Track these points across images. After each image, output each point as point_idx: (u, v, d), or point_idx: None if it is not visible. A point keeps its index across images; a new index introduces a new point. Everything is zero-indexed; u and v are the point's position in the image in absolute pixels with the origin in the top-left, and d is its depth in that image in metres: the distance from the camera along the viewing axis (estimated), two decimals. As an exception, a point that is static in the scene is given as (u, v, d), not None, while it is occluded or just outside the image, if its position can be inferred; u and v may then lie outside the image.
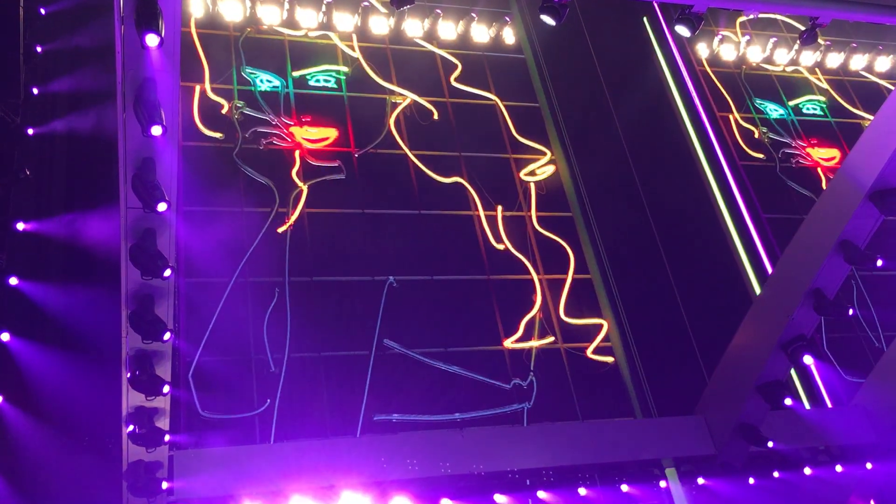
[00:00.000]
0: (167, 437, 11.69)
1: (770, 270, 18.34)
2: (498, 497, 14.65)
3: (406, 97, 19.51)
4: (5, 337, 12.88)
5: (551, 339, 17.09)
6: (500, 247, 18.06)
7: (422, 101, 19.58)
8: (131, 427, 11.31)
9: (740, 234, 19.36)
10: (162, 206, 9.69)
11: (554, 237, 18.54)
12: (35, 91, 15.09)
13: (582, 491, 15.06)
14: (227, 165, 17.23)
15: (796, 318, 13.69)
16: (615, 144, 20.15)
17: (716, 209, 19.92)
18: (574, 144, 19.97)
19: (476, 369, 16.34)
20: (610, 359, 17.17)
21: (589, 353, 17.13)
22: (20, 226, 13.86)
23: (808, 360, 13.94)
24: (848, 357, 17.49)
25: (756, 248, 19.09)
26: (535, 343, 16.93)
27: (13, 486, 12.04)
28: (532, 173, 19.43)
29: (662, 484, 15.60)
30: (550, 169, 19.59)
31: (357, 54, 19.91)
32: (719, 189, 20.05)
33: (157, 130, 9.09)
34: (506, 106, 20.47)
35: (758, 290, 18.19)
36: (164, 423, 11.64)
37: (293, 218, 16.94)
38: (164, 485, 11.96)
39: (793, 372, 17.15)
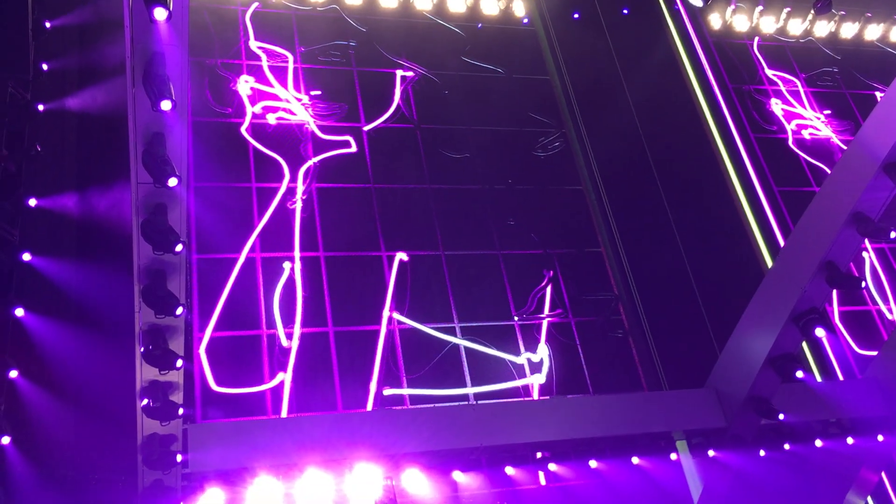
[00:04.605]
0: (181, 411, 11.78)
1: (782, 243, 18.24)
2: (509, 469, 14.73)
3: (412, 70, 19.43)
4: (20, 312, 12.97)
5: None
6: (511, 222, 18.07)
7: (430, 74, 19.48)
8: (145, 401, 11.40)
9: (752, 206, 19.24)
10: (172, 181, 9.70)
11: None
12: (45, 67, 15.05)
13: (593, 464, 15.12)
14: (237, 141, 17.22)
15: (808, 291, 13.62)
16: (626, 118, 20.01)
17: (728, 182, 19.79)
18: (585, 118, 19.86)
19: (487, 343, 16.43)
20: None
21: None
22: (32, 202, 13.89)
23: (820, 332, 13.91)
24: (860, 330, 17.42)
25: (768, 220, 18.98)
26: (546, 317, 16.97)
27: (29, 459, 12.17)
28: (543, 148, 19.35)
29: (673, 456, 15.63)
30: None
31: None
32: (731, 162, 19.90)
33: (166, 105, 9.09)
34: (516, 79, 20.35)
35: (770, 263, 18.12)
36: (177, 396, 11.72)
37: (299, 193, 16.95)
38: (179, 457, 12.08)
39: (805, 345, 17.16)
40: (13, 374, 12.58)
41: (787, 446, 15.65)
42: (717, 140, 20.26)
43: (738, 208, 19.38)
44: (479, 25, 20.86)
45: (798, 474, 15.55)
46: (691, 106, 20.95)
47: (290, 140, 17.56)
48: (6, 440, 12.09)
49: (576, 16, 21.34)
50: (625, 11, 21.69)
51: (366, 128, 18.34)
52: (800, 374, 14.34)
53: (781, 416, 14.60)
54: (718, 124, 20.46)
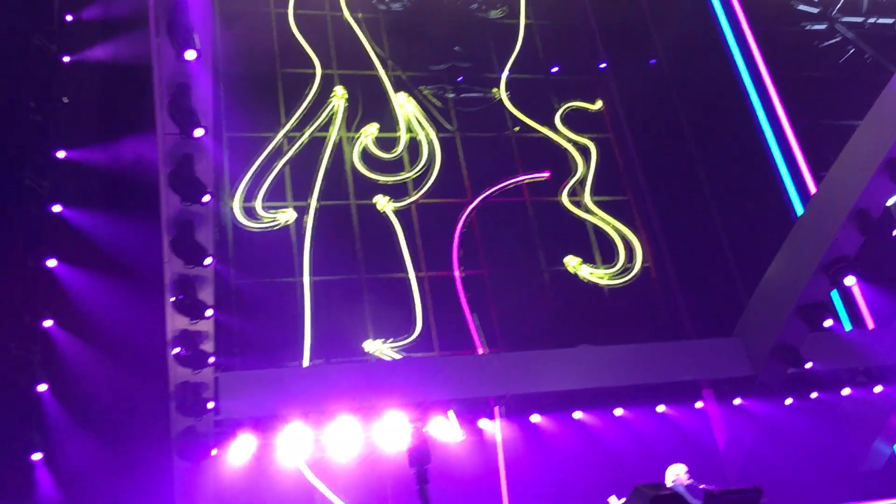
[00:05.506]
0: (212, 359, 11.97)
1: (813, 190, 17.96)
2: (534, 417, 14.88)
3: None
4: (52, 263, 13.16)
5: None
6: (544, 176, 17.93)
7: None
8: (177, 349, 11.59)
9: (783, 153, 18.89)
10: (199, 132, 9.72)
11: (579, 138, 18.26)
12: (69, 18, 15.03)
13: (618, 412, 15.22)
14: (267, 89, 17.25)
15: (839, 239, 13.45)
16: (655, 64, 19.65)
17: (758, 127, 19.41)
18: (613, 65, 19.56)
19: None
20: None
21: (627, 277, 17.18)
22: (61, 153, 13.99)
23: (849, 280, 13.77)
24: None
25: (799, 167, 18.65)
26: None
27: (65, 406, 12.48)
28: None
29: (699, 405, 15.70)
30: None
31: None
32: (762, 106, 19.48)
33: (190, 55, 9.05)
34: (541, 25, 20.05)
35: (800, 211, 17.87)
36: (208, 345, 11.90)
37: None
38: (210, 405, 12.31)
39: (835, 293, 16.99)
40: (48, 323, 12.84)
41: (814, 395, 15.63)
42: (749, 84, 19.80)
43: (769, 154, 19.03)
44: None
45: (825, 423, 15.55)
46: (721, 50, 20.45)
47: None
48: (43, 387, 12.40)
49: None
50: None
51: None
52: (828, 322, 14.25)
53: (809, 365, 14.56)
54: (749, 67, 19.97)
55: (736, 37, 20.37)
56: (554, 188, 17.98)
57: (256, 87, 17.25)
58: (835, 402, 15.74)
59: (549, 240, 17.36)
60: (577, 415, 15.06)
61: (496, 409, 14.68)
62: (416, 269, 16.24)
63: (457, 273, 16.44)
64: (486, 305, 16.29)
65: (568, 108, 19.05)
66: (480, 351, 15.67)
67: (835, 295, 16.67)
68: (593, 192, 18.04)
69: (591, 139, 18.69)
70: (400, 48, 18.78)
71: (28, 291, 12.83)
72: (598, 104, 19.28)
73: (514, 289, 16.62)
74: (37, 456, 12.01)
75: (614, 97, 19.15)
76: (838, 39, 22.10)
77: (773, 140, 19.01)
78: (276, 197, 16.21)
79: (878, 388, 15.77)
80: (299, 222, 16.06)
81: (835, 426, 15.71)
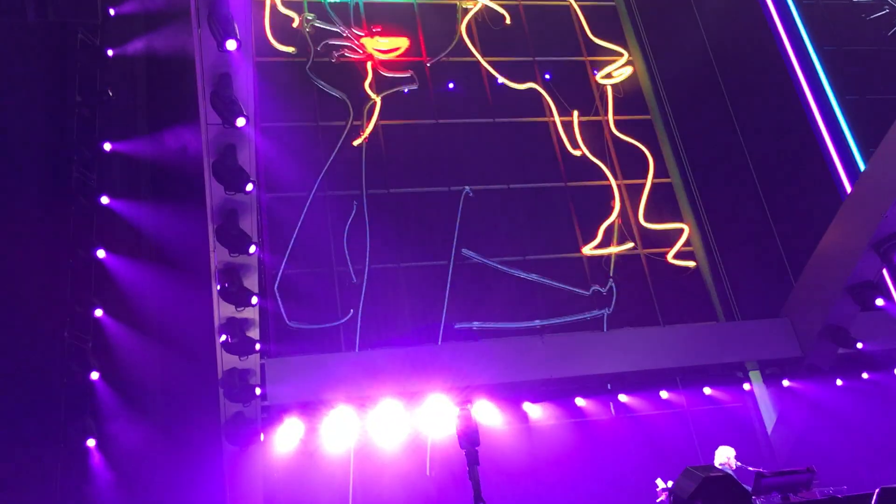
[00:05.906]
0: (258, 346, 12.13)
1: (862, 167, 17.55)
2: (579, 400, 14.84)
3: (477, 2, 19.01)
4: (101, 254, 13.42)
5: (631, 244, 16.92)
6: (577, 153, 17.76)
7: (493, 4, 19.05)
8: (224, 337, 11.76)
9: (830, 129, 18.46)
10: (241, 122, 9.81)
11: (632, 140, 18.12)
12: (112, 12, 15.25)
13: (664, 394, 15.12)
14: (301, 80, 17.24)
15: (890, 217, 13.16)
16: (696, 40, 19.30)
17: (803, 104, 18.98)
18: (652, 42, 19.26)
19: (555, 277, 16.37)
20: (692, 263, 16.93)
21: (670, 257, 16.91)
22: (107, 146, 14.23)
23: (902, 259, 13.48)
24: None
25: (847, 143, 18.23)
26: (614, 249, 16.78)
27: (117, 392, 12.75)
28: (609, 76, 18.86)
29: (746, 386, 15.52)
30: (628, 70, 18.97)
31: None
32: (807, 82, 19.05)
33: (231, 45, 9.12)
34: (580, 6, 19.77)
35: (848, 188, 17.48)
36: (254, 332, 12.06)
37: (368, 131, 16.95)
38: (258, 391, 12.49)
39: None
40: (98, 312, 13.11)
41: (865, 375, 15.35)
42: (793, 59, 19.36)
43: (815, 131, 18.62)
44: None
45: (877, 404, 15.26)
46: (764, 25, 20.01)
47: (353, 77, 17.53)
48: (95, 375, 12.68)
49: None
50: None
51: (428, 63, 18.14)
52: (880, 301, 13.97)
53: (860, 345, 14.30)
54: (793, 42, 19.52)
55: (779, 11, 19.93)
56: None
57: (294, 77, 17.31)
58: (887, 383, 15.44)
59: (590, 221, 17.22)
60: (623, 398, 14.99)
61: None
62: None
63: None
64: (531, 286, 16.24)
65: (604, 75, 18.77)
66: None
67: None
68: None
69: (633, 121, 18.43)
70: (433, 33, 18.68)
71: (78, 281, 13.10)
72: (629, 68, 18.98)
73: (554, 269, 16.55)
74: (91, 442, 12.29)
75: (656, 78, 18.83)
76: (886, 11, 21.51)
77: (820, 116, 18.60)
78: (323, 187, 16.23)
79: (931, 368, 15.45)
80: (347, 211, 16.06)
81: (887, 407, 15.41)
